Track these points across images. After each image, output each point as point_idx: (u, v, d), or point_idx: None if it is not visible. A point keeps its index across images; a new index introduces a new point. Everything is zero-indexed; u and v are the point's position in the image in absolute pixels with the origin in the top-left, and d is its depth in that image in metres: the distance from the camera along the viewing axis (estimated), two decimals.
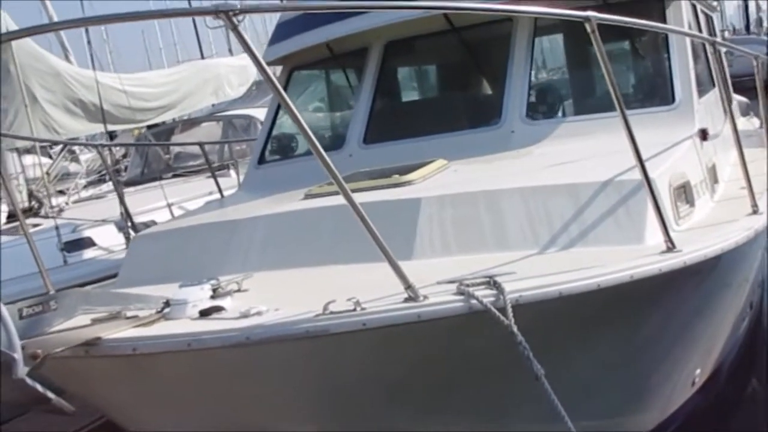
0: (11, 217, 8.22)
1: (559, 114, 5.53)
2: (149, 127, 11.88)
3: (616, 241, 3.50)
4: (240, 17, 2.64)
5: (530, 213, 3.68)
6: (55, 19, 12.14)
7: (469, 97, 6.05)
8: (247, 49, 2.73)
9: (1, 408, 2.76)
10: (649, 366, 3.89)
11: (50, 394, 2.58)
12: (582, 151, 4.48)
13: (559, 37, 5.96)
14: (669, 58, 5.16)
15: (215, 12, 2.62)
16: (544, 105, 5.48)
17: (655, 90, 5.43)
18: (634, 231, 3.54)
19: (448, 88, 6.60)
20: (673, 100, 5.02)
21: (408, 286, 2.83)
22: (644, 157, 3.39)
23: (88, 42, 10.64)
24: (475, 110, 5.81)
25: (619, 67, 5.55)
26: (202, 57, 18.52)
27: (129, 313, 3.06)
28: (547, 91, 5.67)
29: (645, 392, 4.03)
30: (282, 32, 6.26)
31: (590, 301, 3.05)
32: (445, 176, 4.45)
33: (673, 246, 3.37)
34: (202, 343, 2.77)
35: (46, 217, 8.33)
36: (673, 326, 3.82)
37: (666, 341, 3.85)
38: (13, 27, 9.11)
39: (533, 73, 5.41)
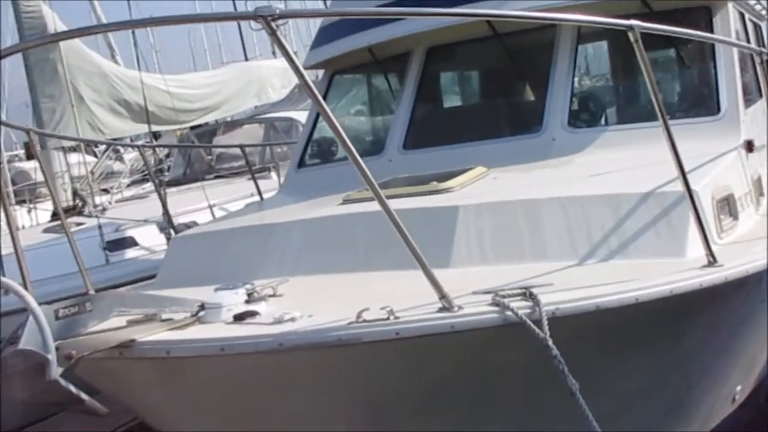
0: (57, 215, 8.33)
1: (602, 122, 5.45)
2: (192, 127, 11.99)
3: (656, 253, 3.44)
4: (279, 22, 2.64)
5: (569, 223, 3.63)
6: (103, 19, 12.33)
7: (510, 104, 6.00)
8: (285, 53, 2.73)
9: (30, 407, 2.80)
10: (688, 382, 3.81)
11: (83, 395, 2.60)
12: (624, 161, 4.41)
13: (602, 44, 5.89)
14: (715, 68, 5.06)
15: (254, 16, 2.62)
16: (586, 113, 5.41)
17: (700, 100, 5.33)
18: (675, 244, 3.47)
19: (489, 95, 6.56)
20: (719, 110, 4.92)
21: (442, 296, 2.81)
22: (687, 168, 3.33)
23: (135, 43, 10.78)
24: (516, 117, 5.77)
25: (663, 75, 5.47)
26: (246, 58, 18.64)
27: (164, 316, 3.09)
28: (590, 99, 5.60)
29: (684, 409, 3.95)
30: (324, 36, 6.27)
31: (628, 316, 3.00)
32: (484, 184, 4.42)
33: (715, 260, 3.30)
34: (235, 348, 2.78)
35: (90, 216, 8.44)
36: (713, 342, 3.74)
37: (706, 357, 3.78)
38: (62, 27, 9.25)
39: (576, 80, 5.35)
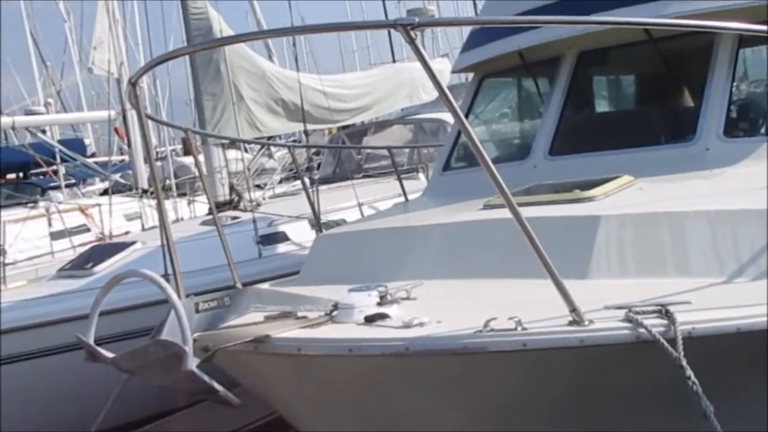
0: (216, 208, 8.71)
1: (762, 132, 5.16)
2: (343, 127, 12.25)
3: None
4: (418, 30, 2.67)
5: (716, 239, 3.48)
6: (263, 21, 12.79)
7: (663, 111, 5.77)
8: (422, 61, 2.76)
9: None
10: None
11: (217, 386, 2.72)
12: None
13: (764, 48, 5.57)
14: None
15: (394, 25, 2.67)
16: (745, 122, 5.14)
17: None
18: None
19: (640, 101, 6.35)
20: None
21: (573, 309, 2.76)
22: None
23: (294, 43, 11.12)
24: (668, 125, 5.55)
25: None
26: (394, 60, 18.85)
27: (299, 314, 3.19)
28: (750, 107, 5.31)
29: None
30: (474, 40, 6.26)
31: None
32: (629, 194, 4.29)
33: None
34: (363, 350, 2.83)
35: (245, 210, 8.79)
36: None
37: None
38: (227, 29, 9.67)
39: (734, 86, 5.10)
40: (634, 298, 3.00)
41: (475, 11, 21.47)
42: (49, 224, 10.19)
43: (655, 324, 2.73)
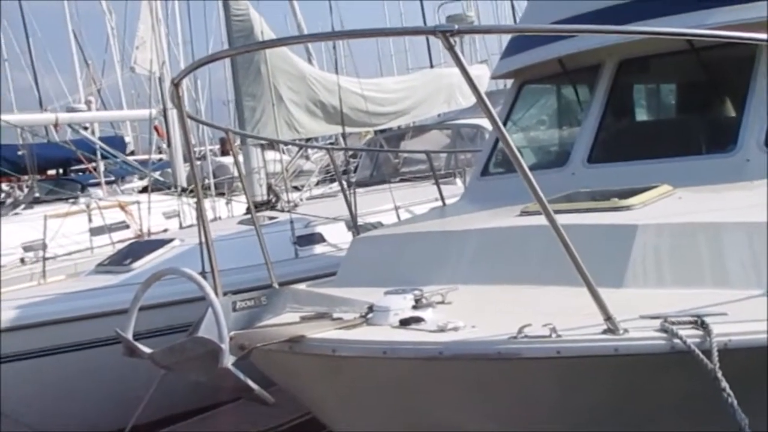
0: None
1: None
2: (381, 131, 12.28)
3: None
4: (457, 37, 2.69)
5: (754, 251, 3.45)
6: (303, 23, 12.86)
7: (703, 121, 5.73)
8: (461, 68, 2.78)
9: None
10: None
11: (252, 384, 2.76)
12: None
13: None
14: None
15: (433, 32, 2.69)
16: None
17: None
18: None
19: (680, 110, 6.30)
20: None
21: (608, 317, 2.76)
22: None
23: (334, 46, 11.20)
24: (709, 135, 5.50)
25: None
26: (431, 65, 18.85)
27: (334, 315, 3.22)
28: None
29: None
30: (515, 46, 6.26)
31: None
32: (668, 203, 4.27)
33: None
34: (396, 353, 2.86)
35: (282, 210, 8.87)
36: None
37: None
38: (268, 31, 9.75)
39: None
40: (669, 308, 2.99)
41: (514, 16, 21.39)
42: (90, 220, 10.34)
43: (690, 335, 2.72)
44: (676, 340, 2.70)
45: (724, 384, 2.62)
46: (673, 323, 2.78)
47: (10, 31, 29.04)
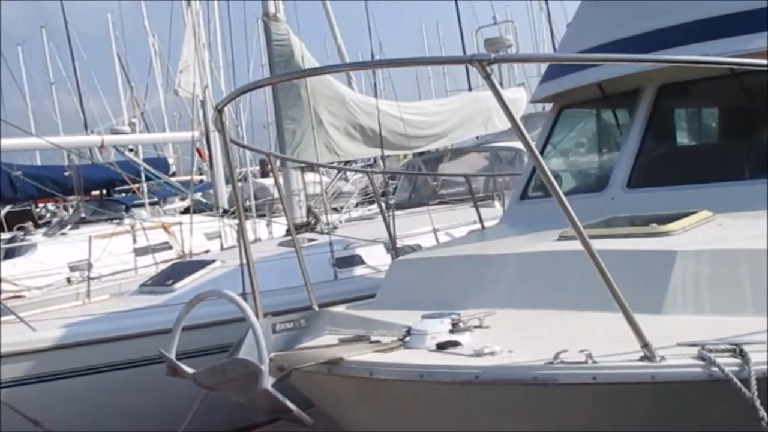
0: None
1: None
2: (420, 153, 12.31)
3: None
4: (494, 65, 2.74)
5: None
6: (344, 48, 13.00)
7: (744, 146, 5.68)
8: (497, 96, 2.82)
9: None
10: None
11: (291, 405, 2.81)
12: None
13: None
14: None
15: (470, 60, 2.74)
16: None
17: None
18: None
19: (721, 135, 6.26)
20: None
21: (644, 344, 2.76)
22: None
23: (373, 72, 11.29)
24: (750, 160, 5.46)
25: None
26: (470, 88, 18.85)
27: (372, 338, 3.26)
28: None
29: None
30: (554, 71, 6.27)
31: None
32: (708, 229, 4.24)
33: None
34: (433, 376, 2.89)
35: (321, 232, 8.93)
36: None
37: None
38: (308, 56, 9.86)
39: None
40: (708, 335, 2.98)
41: (552, 40, 21.31)
42: (134, 240, 10.52)
43: (728, 363, 2.71)
44: (714, 368, 2.69)
45: (763, 413, 2.60)
46: (711, 351, 2.77)
47: (57, 54, 29.72)
